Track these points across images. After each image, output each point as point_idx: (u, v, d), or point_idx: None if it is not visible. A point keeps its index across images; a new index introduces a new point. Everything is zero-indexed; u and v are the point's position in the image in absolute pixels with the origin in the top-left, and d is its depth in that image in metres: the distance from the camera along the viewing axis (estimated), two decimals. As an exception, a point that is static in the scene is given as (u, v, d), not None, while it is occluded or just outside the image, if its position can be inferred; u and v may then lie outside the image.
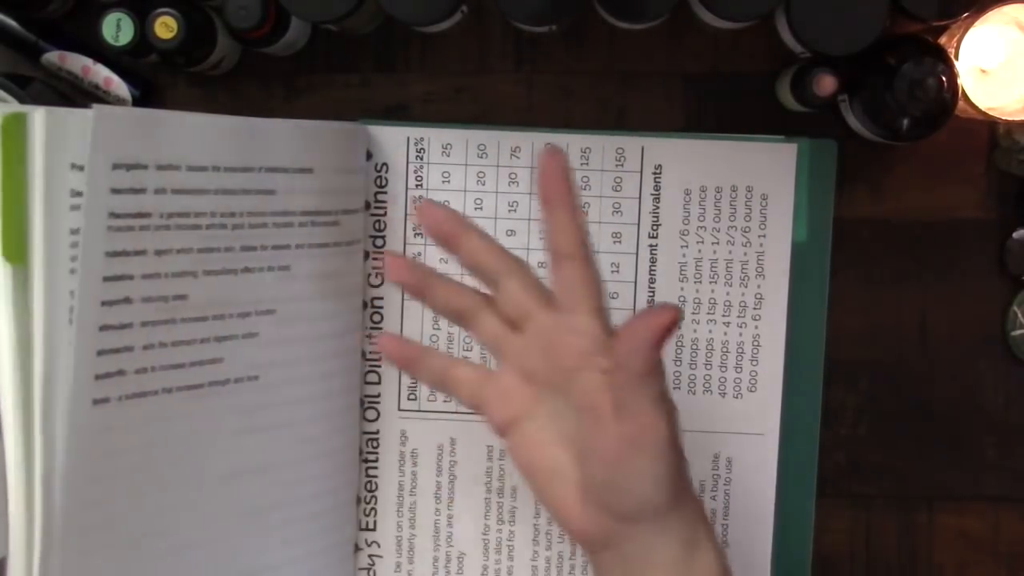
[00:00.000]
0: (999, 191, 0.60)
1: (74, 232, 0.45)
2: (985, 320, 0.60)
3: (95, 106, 0.44)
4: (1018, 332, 0.60)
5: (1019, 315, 0.60)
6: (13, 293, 0.45)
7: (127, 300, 0.46)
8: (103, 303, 0.45)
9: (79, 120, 0.44)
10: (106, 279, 0.45)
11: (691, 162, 0.59)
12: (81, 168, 0.44)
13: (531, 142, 0.59)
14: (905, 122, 0.55)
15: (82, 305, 0.45)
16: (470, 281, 0.50)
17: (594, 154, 0.59)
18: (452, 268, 0.49)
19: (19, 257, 0.44)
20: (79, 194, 0.45)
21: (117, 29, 0.55)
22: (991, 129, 0.59)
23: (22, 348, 0.45)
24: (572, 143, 0.59)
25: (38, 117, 0.44)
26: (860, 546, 0.61)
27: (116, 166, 0.45)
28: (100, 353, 0.45)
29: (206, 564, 0.52)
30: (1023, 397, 0.61)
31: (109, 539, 0.47)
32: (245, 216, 0.51)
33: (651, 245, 0.59)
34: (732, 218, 0.59)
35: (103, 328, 0.45)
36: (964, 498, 0.61)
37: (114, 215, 0.45)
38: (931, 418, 0.61)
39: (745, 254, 0.59)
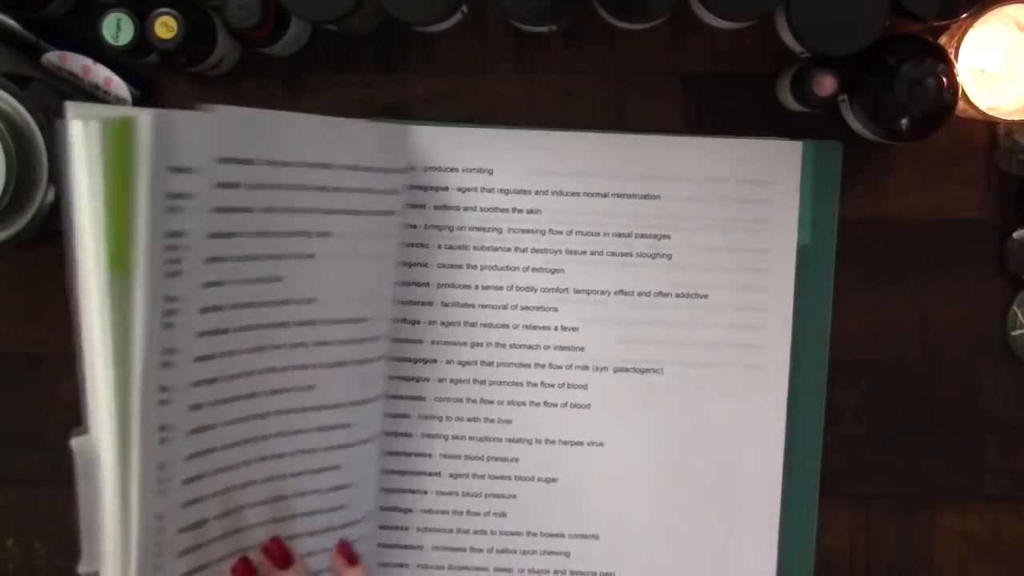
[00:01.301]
0: (999, 191, 0.60)
1: (169, 236, 0.44)
2: (985, 320, 0.60)
3: (204, 106, 0.44)
4: (1018, 332, 0.60)
5: (1019, 315, 0.60)
6: (114, 302, 0.43)
7: (218, 307, 0.46)
8: (202, 310, 0.46)
9: (185, 123, 0.44)
10: (206, 285, 0.45)
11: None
12: (180, 170, 0.43)
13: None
14: (905, 122, 0.55)
15: (186, 309, 0.44)
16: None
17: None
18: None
19: (122, 265, 0.43)
20: (175, 197, 0.43)
21: (117, 29, 0.55)
22: (991, 129, 0.59)
23: (121, 359, 0.43)
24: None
25: (146, 120, 0.42)
26: (860, 546, 0.61)
27: (224, 160, 0.45)
28: (198, 360, 0.45)
29: None
30: (1023, 397, 0.61)
31: (203, 557, 0.48)
32: (319, 214, 0.51)
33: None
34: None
35: (201, 335, 0.45)
36: (964, 498, 0.61)
37: (218, 210, 0.45)
38: (931, 418, 0.61)
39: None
